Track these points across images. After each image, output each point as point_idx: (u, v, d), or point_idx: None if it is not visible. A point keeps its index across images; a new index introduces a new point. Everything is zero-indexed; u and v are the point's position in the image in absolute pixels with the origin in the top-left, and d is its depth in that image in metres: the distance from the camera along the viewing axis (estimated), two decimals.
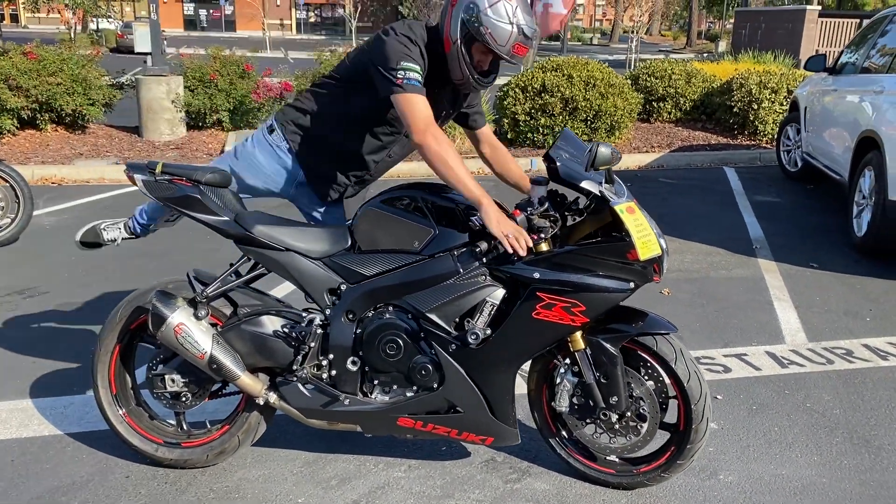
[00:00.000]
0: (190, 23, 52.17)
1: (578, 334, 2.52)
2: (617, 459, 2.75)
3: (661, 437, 2.69)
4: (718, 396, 3.44)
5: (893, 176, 5.24)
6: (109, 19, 30.83)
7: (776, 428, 3.22)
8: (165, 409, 2.80)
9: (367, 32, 46.07)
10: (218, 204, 2.66)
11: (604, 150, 2.28)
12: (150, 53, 9.35)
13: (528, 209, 2.47)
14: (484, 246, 2.43)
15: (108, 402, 2.77)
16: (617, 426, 2.61)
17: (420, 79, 2.50)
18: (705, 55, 27.61)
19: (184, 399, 2.72)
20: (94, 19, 33.32)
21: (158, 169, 2.68)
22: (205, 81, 9.54)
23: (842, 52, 7.50)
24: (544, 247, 2.44)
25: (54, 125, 9.43)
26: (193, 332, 2.55)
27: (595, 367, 2.56)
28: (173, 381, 2.69)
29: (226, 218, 2.63)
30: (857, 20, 20.09)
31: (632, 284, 2.41)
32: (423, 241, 2.52)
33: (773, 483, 2.83)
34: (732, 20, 32.96)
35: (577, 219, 2.51)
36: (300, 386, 2.61)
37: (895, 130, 5.38)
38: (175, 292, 2.67)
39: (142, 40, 9.19)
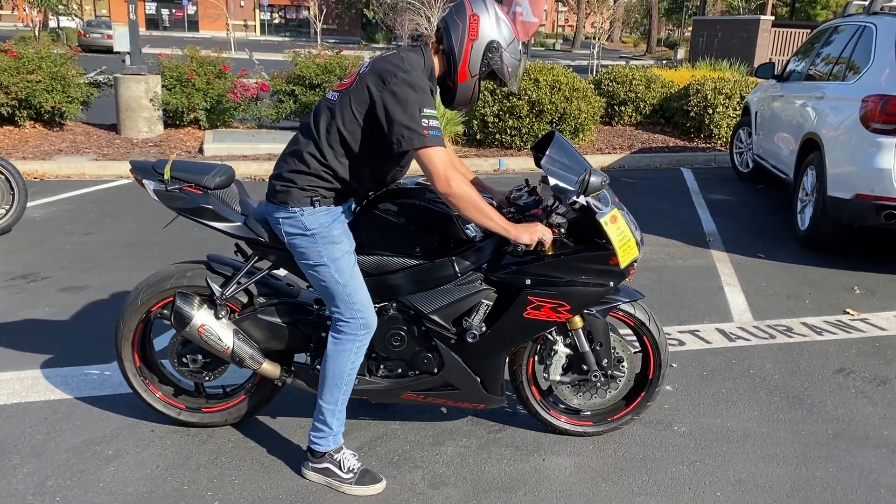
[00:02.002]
0: (152, 22, 51.72)
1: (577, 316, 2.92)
2: (591, 412, 3.17)
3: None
4: (674, 365, 3.87)
5: (832, 174, 5.76)
6: (75, 17, 30.53)
7: (723, 390, 3.67)
8: (187, 380, 3.13)
9: (331, 34, 46.18)
10: (228, 208, 2.87)
11: (595, 180, 2.60)
12: (128, 52, 9.55)
13: (547, 207, 2.78)
14: (522, 247, 2.67)
15: (132, 374, 3.06)
16: (599, 384, 3.04)
17: (440, 125, 2.53)
18: (664, 62, 28.47)
19: (205, 375, 3.03)
20: (55, 17, 32.98)
21: (167, 174, 2.82)
22: (182, 81, 9.77)
23: (789, 60, 8.07)
24: (549, 250, 2.74)
25: (32, 122, 9.59)
26: (216, 330, 2.83)
27: (590, 336, 2.98)
28: (195, 360, 2.99)
29: (237, 223, 2.85)
30: (809, 30, 20.98)
31: (612, 284, 2.80)
32: (424, 247, 2.81)
33: (720, 432, 3.27)
34: (690, 28, 33.93)
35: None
36: (313, 370, 2.93)
37: (833, 133, 5.91)
38: (194, 283, 2.89)
39: (121, 40, 9.39)
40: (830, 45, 6.96)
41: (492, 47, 2.60)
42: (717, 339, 4.29)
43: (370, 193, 2.82)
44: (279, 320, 2.94)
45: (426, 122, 2.47)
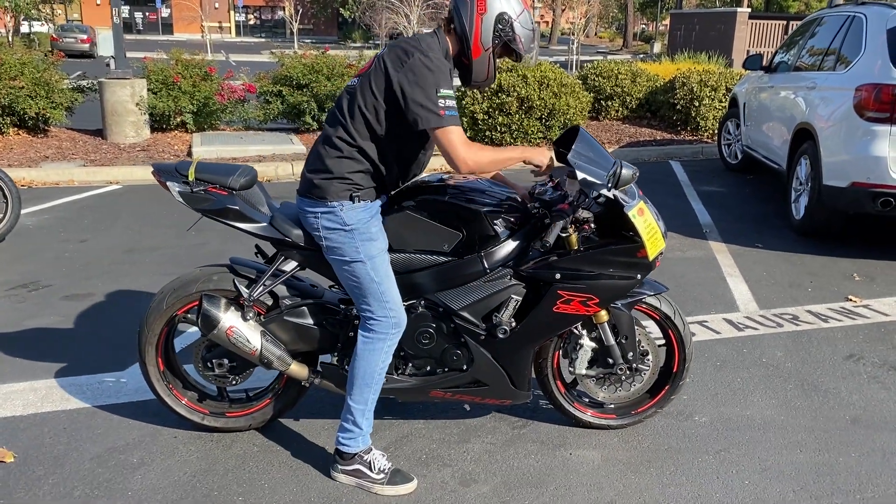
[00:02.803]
0: (125, 25, 50.73)
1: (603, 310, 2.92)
2: (615, 406, 3.18)
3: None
4: None
5: (827, 163, 5.82)
6: (47, 22, 30.14)
7: (738, 379, 3.70)
8: (211, 385, 3.10)
9: (307, 35, 45.98)
10: (253, 209, 2.86)
11: (626, 173, 2.61)
12: (113, 57, 9.44)
13: (574, 202, 2.77)
14: (549, 242, 2.64)
15: (156, 379, 3.02)
16: (624, 378, 3.05)
17: (457, 105, 2.55)
18: (641, 56, 28.61)
19: (231, 379, 2.99)
20: (26, 22, 32.54)
21: (191, 176, 2.79)
22: (168, 84, 9.68)
23: (776, 51, 8.15)
24: (574, 240, 2.74)
25: (16, 129, 9.44)
26: (244, 332, 2.81)
27: (615, 330, 2.98)
28: (221, 365, 2.96)
29: (263, 223, 2.82)
30: (784, 22, 21.25)
31: (639, 276, 2.81)
32: (452, 244, 2.80)
33: (740, 422, 3.30)
34: (665, 22, 34.15)
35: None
36: (341, 370, 2.92)
37: (827, 122, 5.98)
38: (220, 286, 2.87)
39: (105, 44, 9.29)
40: (819, 36, 7.04)
41: (502, 19, 2.62)
42: (725, 329, 4.33)
43: (399, 182, 2.80)
44: (306, 321, 2.92)
45: (443, 101, 2.50)
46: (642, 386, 3.13)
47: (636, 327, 3.04)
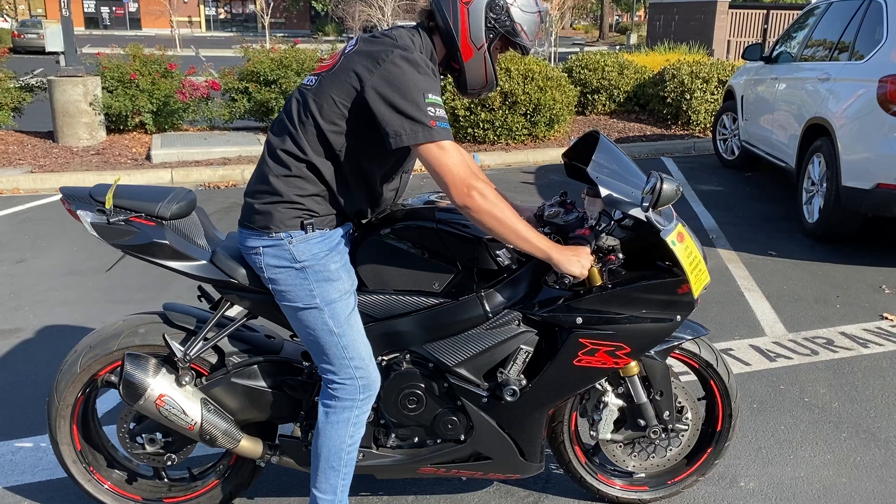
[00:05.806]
0: (91, 21, 49.73)
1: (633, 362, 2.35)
2: (647, 475, 2.60)
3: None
4: None
5: (847, 162, 5.29)
6: (7, 18, 29.04)
7: (782, 427, 3.14)
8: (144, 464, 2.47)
9: (279, 28, 45.01)
10: (189, 243, 2.25)
11: (668, 188, 2.02)
12: (62, 53, 8.70)
13: (596, 227, 2.23)
14: (570, 279, 2.10)
15: (72, 461, 2.40)
16: (658, 441, 2.47)
17: (447, 116, 1.99)
18: (618, 47, 28.16)
19: (167, 458, 2.37)
20: None
21: (108, 202, 2.19)
22: (125, 82, 8.97)
23: (777, 40, 7.63)
24: (597, 274, 2.18)
25: None
26: (179, 401, 2.21)
27: (648, 384, 2.41)
28: (153, 440, 2.35)
29: (202, 262, 2.22)
30: (764, 11, 20.88)
31: (679, 318, 2.24)
32: (444, 282, 2.22)
33: (794, 486, 2.74)
34: (640, 13, 33.70)
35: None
36: (305, 444, 2.32)
37: (846, 117, 5.45)
38: (148, 342, 2.28)
39: (53, 39, 8.55)
40: (828, 24, 6.51)
41: (495, 6, 2.05)
42: (755, 359, 3.77)
43: (367, 211, 2.20)
44: (259, 384, 2.32)
45: (432, 110, 1.93)
46: (680, 450, 2.55)
47: (672, 379, 2.46)
